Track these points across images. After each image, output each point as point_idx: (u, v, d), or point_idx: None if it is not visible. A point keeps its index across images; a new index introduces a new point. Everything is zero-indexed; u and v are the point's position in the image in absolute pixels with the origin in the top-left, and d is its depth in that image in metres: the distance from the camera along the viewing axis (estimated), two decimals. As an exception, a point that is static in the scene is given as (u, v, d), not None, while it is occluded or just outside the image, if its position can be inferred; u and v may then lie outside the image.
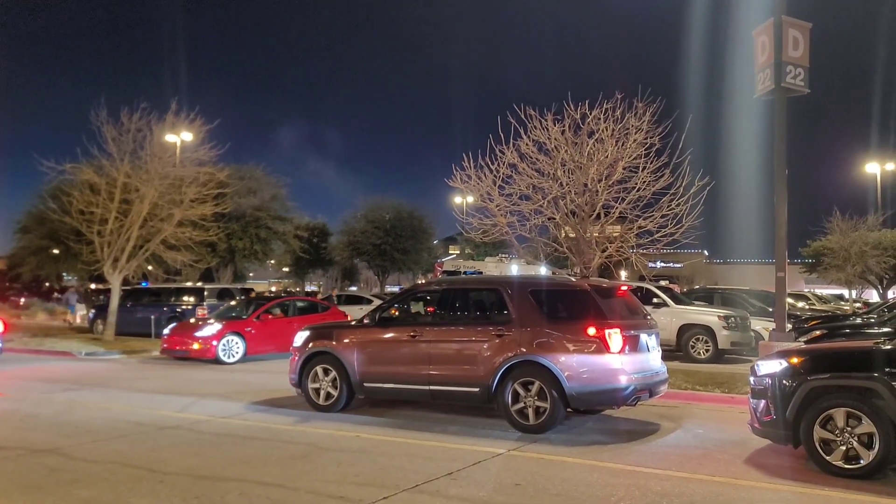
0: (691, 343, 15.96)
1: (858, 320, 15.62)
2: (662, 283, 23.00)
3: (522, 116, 13.00)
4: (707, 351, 15.76)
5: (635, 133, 12.44)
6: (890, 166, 35.00)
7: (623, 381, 7.64)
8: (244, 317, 16.48)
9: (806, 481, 5.87)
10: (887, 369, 5.90)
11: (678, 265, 60.25)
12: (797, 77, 10.71)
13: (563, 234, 13.37)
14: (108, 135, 19.14)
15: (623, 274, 32.56)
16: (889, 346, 6.23)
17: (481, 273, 26.35)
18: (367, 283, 58.98)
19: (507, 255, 33.79)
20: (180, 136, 22.46)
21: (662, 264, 57.82)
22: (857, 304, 28.47)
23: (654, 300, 16.50)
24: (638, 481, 5.85)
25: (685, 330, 16.09)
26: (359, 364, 8.98)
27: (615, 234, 13.33)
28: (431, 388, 8.51)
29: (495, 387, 7.99)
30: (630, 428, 8.28)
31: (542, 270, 19.68)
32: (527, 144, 12.97)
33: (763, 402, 6.54)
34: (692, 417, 8.99)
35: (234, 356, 15.49)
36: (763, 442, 6.96)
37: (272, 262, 40.87)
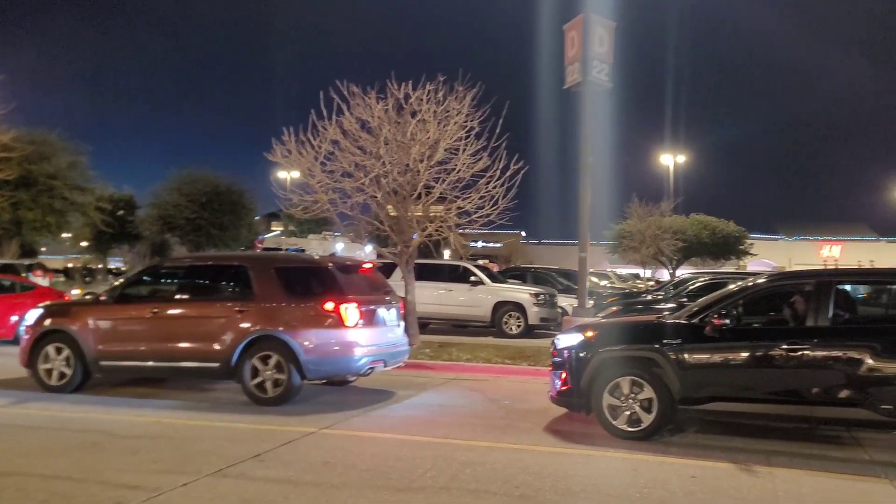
0: (504, 319, 16.80)
1: (650, 297, 17.39)
2: (480, 262, 24.01)
3: (345, 93, 12.80)
4: (519, 326, 16.67)
5: (456, 115, 12.72)
6: (681, 158, 39.28)
7: (357, 353, 8.08)
8: None
9: (594, 445, 6.41)
10: (665, 341, 6.58)
11: (498, 245, 63.31)
12: (601, 72, 11.51)
13: (385, 213, 13.43)
14: None
15: (446, 253, 33.58)
16: (670, 320, 6.94)
17: (304, 251, 25.81)
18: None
19: (331, 233, 33.41)
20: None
21: (483, 244, 60.44)
22: (650, 283, 31.67)
23: (472, 278, 17.16)
24: (445, 453, 6.05)
25: (499, 307, 16.88)
26: (95, 342, 8.67)
27: (436, 214, 13.60)
28: (173, 364, 8.47)
29: (235, 361, 8.09)
30: (441, 402, 8.55)
31: (367, 249, 19.65)
32: (350, 122, 12.80)
33: (562, 373, 7.02)
34: (500, 389, 9.48)
35: None
36: (562, 410, 7.50)
37: (69, 235, 37.12)
